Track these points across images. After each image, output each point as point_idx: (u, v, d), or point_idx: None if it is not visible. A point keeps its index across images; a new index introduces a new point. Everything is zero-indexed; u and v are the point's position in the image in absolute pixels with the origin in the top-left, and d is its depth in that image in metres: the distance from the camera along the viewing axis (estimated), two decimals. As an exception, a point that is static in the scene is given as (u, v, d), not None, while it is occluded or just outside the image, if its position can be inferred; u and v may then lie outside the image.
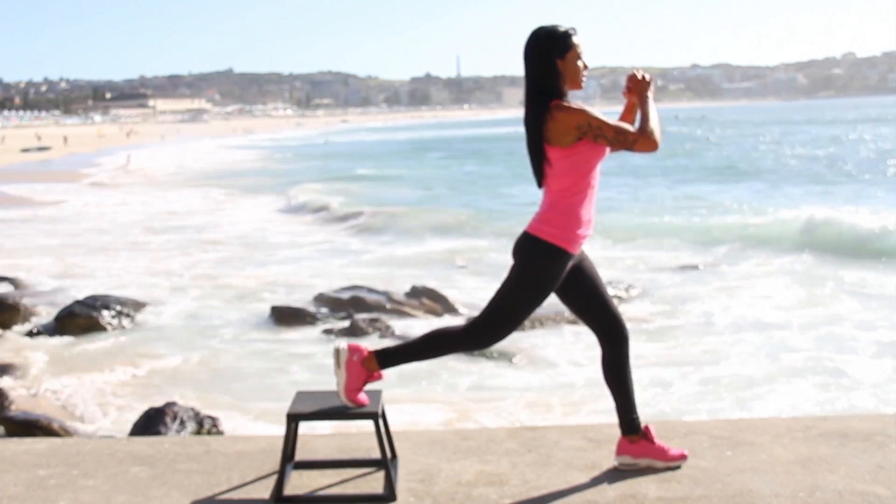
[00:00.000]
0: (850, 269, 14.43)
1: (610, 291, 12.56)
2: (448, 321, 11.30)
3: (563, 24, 3.41)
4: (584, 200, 3.41)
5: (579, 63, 3.39)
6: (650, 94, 3.50)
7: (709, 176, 34.75)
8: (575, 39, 3.38)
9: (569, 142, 3.32)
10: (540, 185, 3.45)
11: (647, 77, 3.56)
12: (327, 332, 10.89)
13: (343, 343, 3.58)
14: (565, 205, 3.39)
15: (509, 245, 3.53)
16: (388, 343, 10.02)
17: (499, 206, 25.38)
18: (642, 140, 3.33)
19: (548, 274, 3.39)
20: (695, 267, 14.85)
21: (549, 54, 3.36)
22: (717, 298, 12.45)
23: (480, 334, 3.48)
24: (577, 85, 3.41)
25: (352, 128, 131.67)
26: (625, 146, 3.33)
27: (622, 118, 3.63)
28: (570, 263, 3.45)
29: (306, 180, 34.75)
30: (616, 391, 3.60)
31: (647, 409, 7.11)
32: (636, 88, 3.55)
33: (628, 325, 3.63)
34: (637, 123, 3.44)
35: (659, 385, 8.56)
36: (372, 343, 10.06)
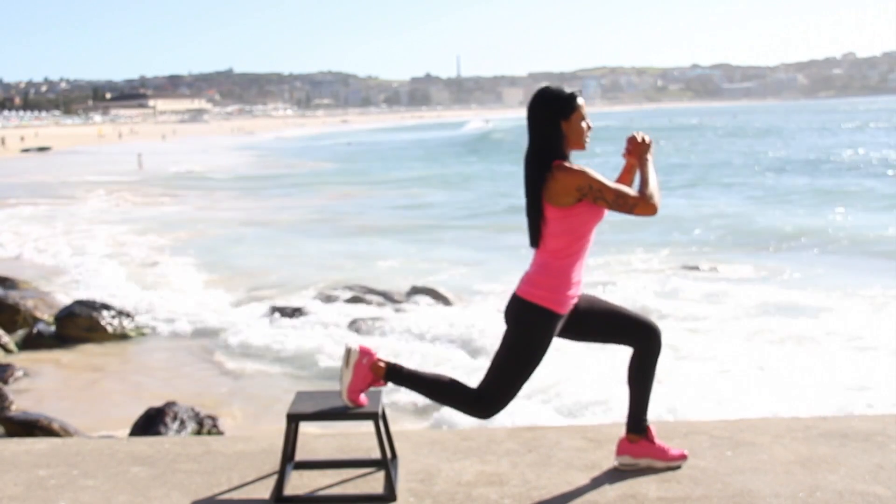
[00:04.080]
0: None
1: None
2: (449, 320, 11.30)
3: (569, 86, 3.43)
4: (576, 262, 3.43)
5: (583, 124, 3.40)
6: (650, 156, 3.51)
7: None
8: (579, 101, 3.39)
9: (568, 202, 3.32)
10: (535, 244, 3.44)
11: (647, 139, 3.57)
12: (327, 331, 10.88)
13: (355, 344, 3.58)
14: (556, 266, 3.40)
15: None
16: (387, 342, 10.06)
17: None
18: (642, 204, 3.33)
19: (540, 337, 3.42)
20: (695, 268, 14.85)
21: (554, 116, 3.36)
22: (716, 299, 12.45)
23: (486, 405, 3.48)
24: (580, 146, 3.42)
25: (358, 129, 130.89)
26: (624, 209, 3.33)
27: (620, 178, 3.64)
28: (562, 322, 3.47)
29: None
30: (636, 389, 3.60)
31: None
32: (636, 151, 3.56)
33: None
34: (637, 186, 3.44)
35: (659, 385, 8.55)
36: (372, 343, 10.07)
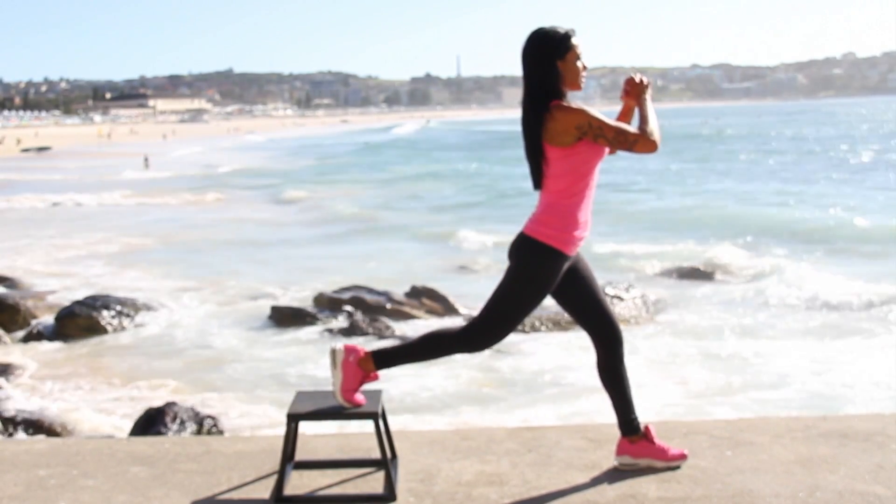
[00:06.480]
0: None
1: (610, 291, 12.48)
2: (448, 321, 11.30)
3: (563, 26, 3.41)
4: (581, 202, 3.41)
5: (579, 64, 3.39)
6: (648, 96, 3.51)
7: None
8: (574, 40, 3.37)
9: (568, 142, 3.31)
10: (538, 185, 3.43)
11: (645, 80, 3.57)
12: (327, 332, 10.89)
13: (339, 344, 3.58)
14: (563, 206, 3.38)
15: None
16: (387, 343, 10.06)
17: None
18: (642, 141, 3.33)
19: (544, 275, 3.38)
20: (696, 269, 14.85)
21: (549, 56, 3.35)
22: (719, 299, 12.45)
23: (478, 337, 3.47)
24: (576, 86, 3.40)
25: (362, 129, 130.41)
26: (625, 146, 3.33)
27: (618, 120, 3.61)
28: (566, 265, 3.46)
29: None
30: (613, 393, 3.60)
31: (647, 409, 7.10)
32: (634, 91, 3.55)
33: (623, 328, 3.64)
34: (637, 124, 3.44)
35: (660, 385, 8.56)
36: (372, 343, 10.07)
